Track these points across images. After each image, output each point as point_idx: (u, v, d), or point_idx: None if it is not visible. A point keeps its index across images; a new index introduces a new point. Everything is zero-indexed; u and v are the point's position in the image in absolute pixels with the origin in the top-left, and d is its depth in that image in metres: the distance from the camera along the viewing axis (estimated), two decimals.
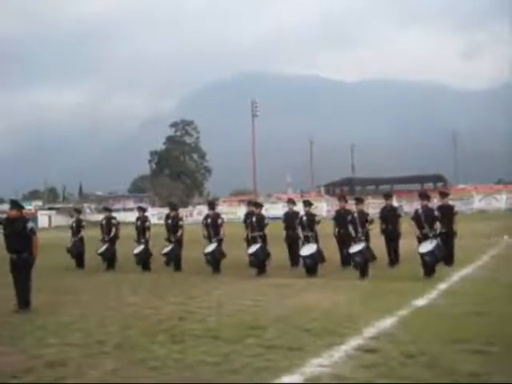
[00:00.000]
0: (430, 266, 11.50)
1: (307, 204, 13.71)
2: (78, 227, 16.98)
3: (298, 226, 13.28)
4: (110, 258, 16.04)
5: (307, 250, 12.64)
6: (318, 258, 12.55)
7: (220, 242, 14.13)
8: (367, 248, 12.02)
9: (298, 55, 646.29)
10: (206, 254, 13.85)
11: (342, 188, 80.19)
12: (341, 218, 13.87)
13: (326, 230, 14.40)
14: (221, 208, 43.96)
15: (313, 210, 13.98)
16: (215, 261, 13.87)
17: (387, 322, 7.48)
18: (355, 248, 12.09)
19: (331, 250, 14.26)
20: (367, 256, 11.93)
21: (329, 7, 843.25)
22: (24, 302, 9.48)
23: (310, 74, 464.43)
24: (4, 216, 10.71)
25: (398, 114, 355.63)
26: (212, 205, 15.46)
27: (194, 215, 56.44)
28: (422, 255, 11.46)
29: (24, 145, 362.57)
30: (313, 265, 12.59)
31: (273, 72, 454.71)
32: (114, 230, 16.35)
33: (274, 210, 44.62)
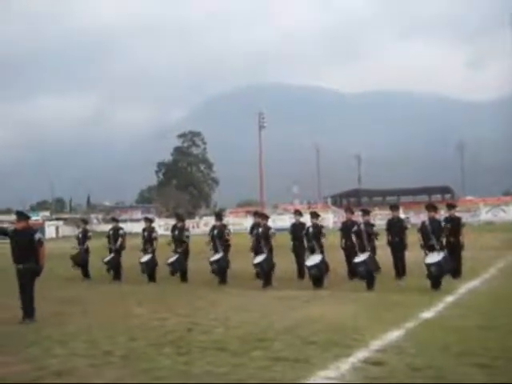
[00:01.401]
0: (436, 277, 11.45)
1: (314, 215, 13.73)
2: (84, 237, 17.06)
3: (304, 238, 13.30)
4: (115, 268, 16.10)
5: (312, 260, 12.66)
6: (322, 268, 12.53)
7: (226, 251, 14.13)
8: (371, 258, 12.00)
9: (301, 67, 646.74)
10: (212, 263, 13.86)
11: (348, 199, 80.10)
12: (347, 229, 13.84)
13: (333, 241, 14.38)
14: (227, 219, 43.95)
15: (320, 221, 14.00)
16: (221, 269, 13.87)
17: (394, 335, 7.45)
18: (359, 258, 12.10)
19: (338, 262, 14.24)
20: (370, 266, 11.91)
21: (331, 19, 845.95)
22: (29, 311, 9.50)
23: (314, 85, 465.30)
24: (11, 228, 10.72)
25: (403, 126, 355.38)
26: (219, 216, 15.47)
27: (201, 226, 56.40)
28: (429, 266, 11.41)
29: (31, 155, 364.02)
30: (318, 275, 12.57)
31: (276, 83, 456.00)
32: (120, 240, 16.41)
33: (281, 221, 44.58)
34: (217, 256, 13.93)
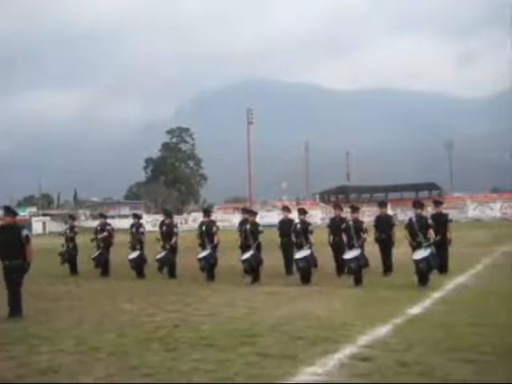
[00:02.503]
0: (424, 273, 11.50)
1: (302, 212, 13.76)
2: (71, 234, 16.99)
3: (292, 234, 13.32)
4: (103, 264, 16.06)
5: (300, 253, 12.71)
6: (311, 260, 12.55)
7: (214, 248, 14.11)
8: (362, 255, 12.03)
9: (291, 63, 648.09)
10: (200, 259, 13.84)
11: (336, 196, 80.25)
12: (335, 225, 13.88)
13: (321, 237, 14.40)
14: (216, 215, 43.90)
15: (307, 218, 14.02)
16: (209, 266, 13.85)
17: (381, 331, 7.47)
18: (350, 254, 12.12)
19: (326, 258, 14.27)
20: (362, 263, 11.95)
21: (326, 16, 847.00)
22: (15, 308, 9.43)
23: (307, 81, 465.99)
24: None
25: (395, 123, 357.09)
26: (207, 212, 15.42)
27: (189, 222, 56.43)
28: (417, 262, 11.46)
29: (18, 150, 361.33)
30: (306, 268, 12.59)
31: (270, 79, 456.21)
32: (105, 234, 16.36)
33: (269, 217, 44.62)
34: (204, 253, 13.91)
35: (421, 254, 11.54)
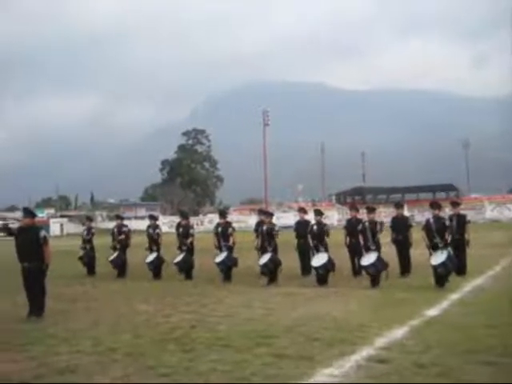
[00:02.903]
0: (442, 276, 11.41)
1: (318, 213, 13.73)
2: (88, 235, 17.11)
3: (308, 235, 13.29)
4: (120, 266, 16.14)
5: (318, 260, 12.61)
6: (329, 267, 12.51)
7: (230, 249, 14.12)
8: (379, 259, 11.95)
9: (304, 64, 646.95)
10: (218, 264, 13.84)
11: (353, 197, 79.89)
12: (352, 227, 13.83)
13: (337, 239, 14.36)
14: (232, 217, 43.98)
15: (324, 219, 13.99)
16: (226, 267, 13.86)
17: (399, 332, 7.43)
18: (368, 260, 12.01)
19: (342, 260, 14.22)
20: (380, 267, 11.86)
21: (335, 16, 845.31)
22: (38, 308, 9.52)
23: (317, 82, 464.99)
24: (15, 226, 10.75)
25: (408, 123, 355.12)
26: (223, 213, 15.43)
27: (205, 224, 56.54)
28: (435, 268, 11.36)
29: (36, 153, 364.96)
30: (325, 275, 12.55)
31: (280, 80, 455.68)
32: (123, 237, 16.45)
33: (285, 218, 44.57)
34: (221, 256, 13.89)
35: (438, 258, 11.41)
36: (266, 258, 13.18)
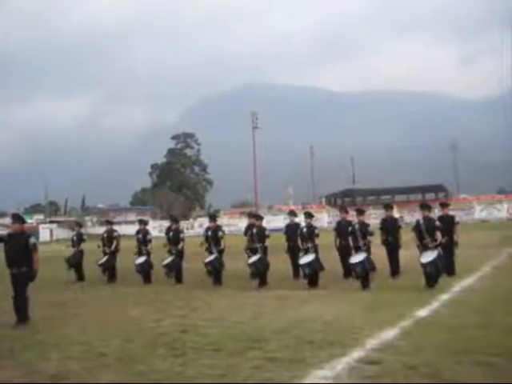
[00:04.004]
0: (432, 276, 11.46)
1: (308, 216, 13.74)
2: (78, 240, 17.03)
3: (298, 238, 13.31)
4: (110, 270, 16.08)
5: (305, 258, 12.68)
6: (316, 265, 12.53)
7: (221, 253, 14.12)
8: (367, 259, 11.99)
9: (294, 66, 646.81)
10: (207, 264, 13.85)
11: (343, 199, 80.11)
12: (342, 229, 13.85)
13: (328, 240, 14.38)
14: (222, 220, 43.97)
15: (314, 221, 14.01)
16: (215, 270, 13.86)
17: (389, 334, 7.44)
18: (356, 259, 12.08)
19: (332, 261, 14.23)
20: (368, 267, 11.91)
21: (326, 18, 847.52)
22: (23, 315, 9.45)
23: (307, 85, 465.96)
24: (5, 232, 10.66)
25: (398, 125, 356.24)
26: (213, 217, 15.43)
27: (195, 227, 56.50)
28: (424, 266, 11.42)
29: (25, 157, 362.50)
30: (312, 273, 12.57)
31: (270, 83, 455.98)
32: (115, 242, 16.41)
33: (276, 221, 44.63)
34: (211, 257, 13.92)
35: (428, 256, 11.50)
36: (254, 258, 13.22)
